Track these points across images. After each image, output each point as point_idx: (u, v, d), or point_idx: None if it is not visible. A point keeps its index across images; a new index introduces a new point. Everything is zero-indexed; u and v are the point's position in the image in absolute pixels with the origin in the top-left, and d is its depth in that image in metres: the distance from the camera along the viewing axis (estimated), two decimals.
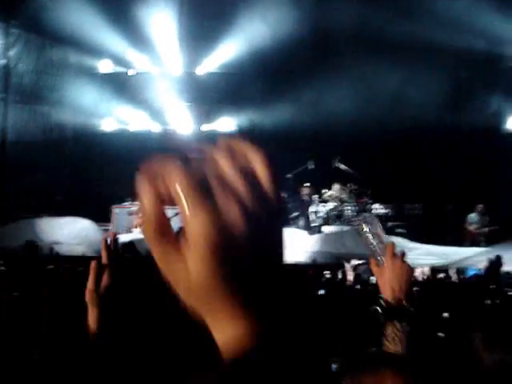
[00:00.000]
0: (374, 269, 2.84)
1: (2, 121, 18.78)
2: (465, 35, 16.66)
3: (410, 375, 1.74)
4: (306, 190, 18.74)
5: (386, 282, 2.73)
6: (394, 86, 17.57)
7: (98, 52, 19.94)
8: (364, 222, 2.89)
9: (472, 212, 16.31)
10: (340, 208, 18.99)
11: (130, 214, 18.25)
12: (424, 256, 15.62)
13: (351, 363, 1.83)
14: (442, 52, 17.00)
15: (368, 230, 2.86)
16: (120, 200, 18.48)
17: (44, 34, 18.82)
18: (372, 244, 2.87)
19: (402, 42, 16.78)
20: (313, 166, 19.47)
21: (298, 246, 15.54)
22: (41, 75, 19.50)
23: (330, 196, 19.19)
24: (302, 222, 18.31)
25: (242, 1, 18.63)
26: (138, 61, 20.35)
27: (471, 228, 16.31)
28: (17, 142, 18.70)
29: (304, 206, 18.58)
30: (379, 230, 2.90)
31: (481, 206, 16.17)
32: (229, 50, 19.56)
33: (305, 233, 17.33)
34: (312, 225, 18.48)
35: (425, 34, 16.63)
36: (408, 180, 17.71)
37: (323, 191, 19.35)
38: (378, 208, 18.68)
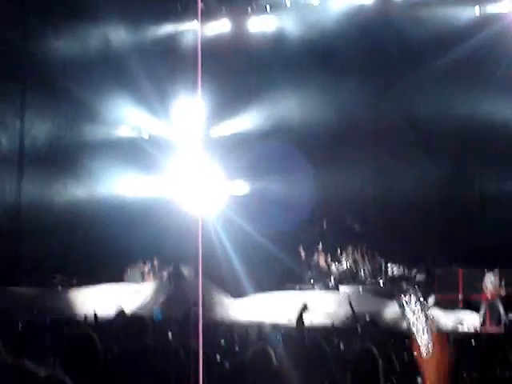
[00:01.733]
0: (418, 356, 2.68)
1: (16, 184, 19.03)
2: None
3: None
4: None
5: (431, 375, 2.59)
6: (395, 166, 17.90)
7: (114, 118, 20.23)
8: (405, 295, 2.67)
9: (488, 275, 16.36)
10: (354, 268, 18.92)
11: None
12: None
13: None
14: None
15: (410, 305, 2.62)
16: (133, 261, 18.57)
17: (59, 97, 19.17)
18: (414, 322, 2.61)
19: None
20: (326, 227, 19.52)
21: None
22: (55, 139, 19.84)
23: (343, 256, 19.15)
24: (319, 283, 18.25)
25: (257, 71, 19.10)
26: (153, 126, 20.60)
27: (488, 290, 16.28)
28: (31, 204, 18.91)
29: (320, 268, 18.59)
30: (422, 306, 2.66)
31: (496, 269, 16.27)
32: (245, 116, 19.92)
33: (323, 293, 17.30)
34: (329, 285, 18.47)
35: None
36: (419, 241, 17.63)
37: (338, 251, 19.32)
38: (393, 269, 18.59)
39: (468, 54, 17.71)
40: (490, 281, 16.30)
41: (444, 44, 18.17)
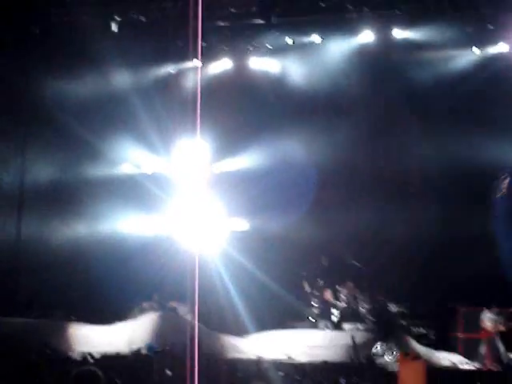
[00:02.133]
0: None
1: (17, 220, 19.13)
2: None
3: None
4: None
5: None
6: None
7: (115, 156, 20.36)
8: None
9: (487, 312, 16.41)
10: (354, 305, 18.88)
11: None
12: None
13: None
14: None
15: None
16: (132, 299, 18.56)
17: (61, 136, 19.36)
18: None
19: None
20: (326, 263, 19.55)
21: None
22: (56, 176, 19.98)
23: (344, 293, 19.12)
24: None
25: (258, 110, 19.29)
26: (153, 164, 20.71)
27: (487, 328, 16.31)
28: (31, 240, 19.00)
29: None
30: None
31: (495, 307, 16.34)
32: (246, 154, 20.04)
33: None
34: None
35: None
36: (423, 279, 17.66)
37: (337, 288, 19.30)
38: (392, 306, 18.58)
39: (469, 96, 17.91)
40: (489, 318, 16.33)
41: (445, 86, 18.41)
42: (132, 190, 20.11)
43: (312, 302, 18.84)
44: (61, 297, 18.72)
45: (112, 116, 19.26)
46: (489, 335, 16.22)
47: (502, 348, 15.99)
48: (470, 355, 16.51)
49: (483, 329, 16.37)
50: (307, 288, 19.01)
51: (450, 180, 18.13)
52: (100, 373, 5.49)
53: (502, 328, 16.18)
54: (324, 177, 19.34)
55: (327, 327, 17.92)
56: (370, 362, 12.17)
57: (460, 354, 16.75)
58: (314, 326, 18.17)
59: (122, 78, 19.59)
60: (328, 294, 18.08)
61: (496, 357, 16.16)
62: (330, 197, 19.19)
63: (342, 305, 18.72)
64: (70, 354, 14.00)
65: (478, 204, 17.53)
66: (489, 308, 16.45)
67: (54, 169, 20.05)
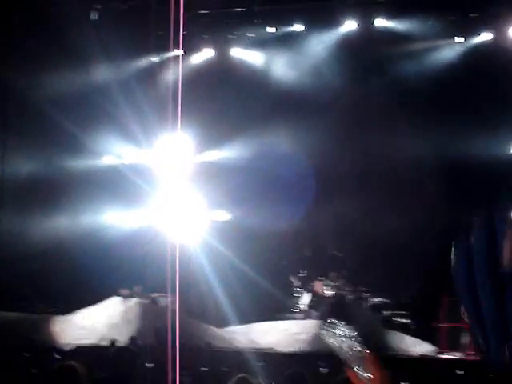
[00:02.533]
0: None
1: None
2: None
3: None
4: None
5: None
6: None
7: (96, 149, 20.15)
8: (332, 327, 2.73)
9: None
10: (337, 296, 18.90)
11: None
12: None
13: None
14: None
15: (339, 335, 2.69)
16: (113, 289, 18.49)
17: (41, 129, 19.14)
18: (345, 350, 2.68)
19: None
20: (310, 254, 19.56)
21: None
22: (37, 169, 19.76)
23: (326, 283, 19.14)
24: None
25: (241, 101, 19.09)
26: (135, 156, 20.53)
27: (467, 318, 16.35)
28: (11, 233, 18.82)
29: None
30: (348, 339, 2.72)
31: None
32: (227, 146, 19.88)
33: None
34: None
35: None
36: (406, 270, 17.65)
37: (319, 279, 19.31)
38: (375, 297, 18.64)
39: (453, 85, 17.86)
40: None
41: (428, 75, 18.34)
42: (114, 182, 19.95)
43: (296, 294, 18.89)
44: (42, 289, 18.57)
45: (93, 107, 19.07)
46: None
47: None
48: (452, 345, 16.58)
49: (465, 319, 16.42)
50: (287, 279, 19.03)
51: (435, 170, 18.12)
52: (79, 367, 5.44)
53: None
54: (306, 168, 19.25)
55: (311, 317, 17.93)
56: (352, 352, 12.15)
57: (442, 343, 16.83)
58: (297, 316, 18.18)
59: (102, 68, 19.39)
60: (318, 286, 17.96)
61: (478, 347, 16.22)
62: (313, 188, 19.10)
63: (325, 295, 18.78)
64: (52, 347, 13.84)
65: (463, 196, 17.53)
66: None
67: (34, 160, 19.84)
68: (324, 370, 10.55)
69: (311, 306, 17.31)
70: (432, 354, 15.93)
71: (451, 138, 17.57)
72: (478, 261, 15.49)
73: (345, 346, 2.71)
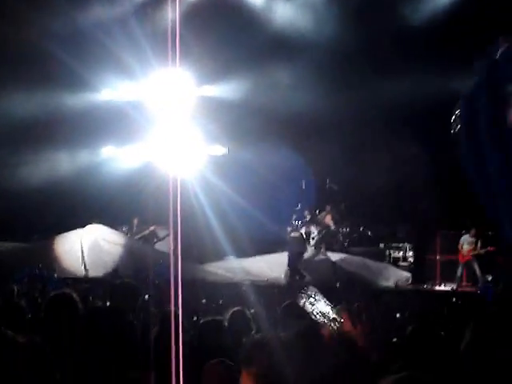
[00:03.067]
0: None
1: None
2: None
3: None
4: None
5: None
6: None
7: (93, 85, 19.87)
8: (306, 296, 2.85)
9: (465, 236, 16.64)
10: (333, 229, 19.05)
11: None
12: None
13: None
14: None
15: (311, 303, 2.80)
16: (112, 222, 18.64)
17: (38, 61, 18.82)
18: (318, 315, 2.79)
19: None
20: (304, 187, 19.59)
21: None
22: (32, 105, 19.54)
23: (322, 217, 19.24)
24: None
25: (239, 40, 18.68)
26: (132, 91, 20.27)
27: (464, 250, 16.54)
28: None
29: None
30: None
31: (473, 230, 16.58)
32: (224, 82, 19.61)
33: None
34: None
35: None
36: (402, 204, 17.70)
37: (316, 212, 19.41)
38: (370, 231, 18.81)
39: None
40: (467, 241, 16.56)
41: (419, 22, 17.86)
42: (112, 118, 19.80)
43: (291, 226, 19.05)
44: (38, 222, 18.67)
45: (90, 42, 18.72)
46: (466, 258, 16.47)
47: (478, 270, 16.25)
48: (447, 277, 16.82)
49: (461, 252, 16.61)
50: (284, 212, 19.14)
51: (428, 112, 17.89)
52: (75, 295, 5.45)
53: (479, 251, 16.41)
54: (304, 104, 18.97)
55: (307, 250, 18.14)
56: (349, 284, 12.34)
57: (437, 275, 17.08)
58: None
59: (99, 3, 19.01)
60: (327, 219, 17.89)
61: (472, 279, 16.46)
62: (310, 123, 18.93)
63: (322, 228, 18.91)
64: (49, 276, 13.93)
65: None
66: (467, 231, 16.65)
67: (30, 97, 19.56)
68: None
69: (322, 238, 17.23)
70: (427, 287, 16.16)
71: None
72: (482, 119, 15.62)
73: (317, 311, 2.83)
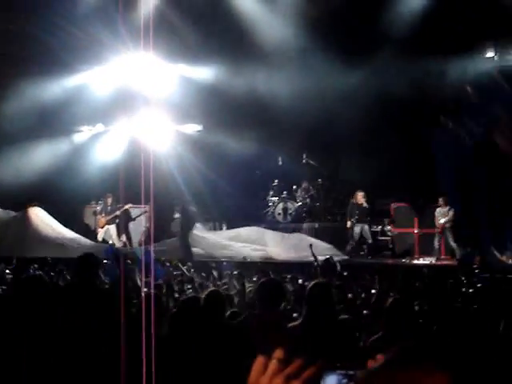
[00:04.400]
0: None
1: None
2: None
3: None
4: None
5: None
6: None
7: None
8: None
9: (438, 209, 16.77)
10: (310, 205, 19.02)
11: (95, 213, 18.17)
12: None
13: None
14: None
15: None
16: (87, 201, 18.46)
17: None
18: None
19: None
20: (281, 162, 19.47)
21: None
22: None
23: (299, 193, 19.19)
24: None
25: None
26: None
27: (440, 222, 16.60)
28: None
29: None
30: None
31: (441, 199, 16.72)
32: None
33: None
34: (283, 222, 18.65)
35: None
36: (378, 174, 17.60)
37: (293, 188, 19.35)
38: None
39: None
40: (441, 213, 16.63)
41: None
42: (89, 98, 19.31)
43: (267, 201, 19.01)
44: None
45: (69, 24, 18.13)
46: (440, 229, 16.57)
47: (451, 239, 16.37)
48: (425, 250, 16.90)
49: (436, 224, 16.69)
50: (260, 187, 19.08)
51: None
52: (45, 277, 5.44)
53: (451, 220, 16.49)
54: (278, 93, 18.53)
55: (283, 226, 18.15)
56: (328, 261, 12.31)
57: (416, 249, 17.17)
58: (272, 224, 18.28)
59: None
60: (359, 197, 17.59)
61: (449, 250, 16.54)
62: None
63: (299, 203, 18.89)
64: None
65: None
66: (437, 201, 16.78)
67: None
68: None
69: (356, 217, 17.10)
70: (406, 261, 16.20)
71: None
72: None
73: None
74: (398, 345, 1.58)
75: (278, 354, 1.71)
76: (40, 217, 16.91)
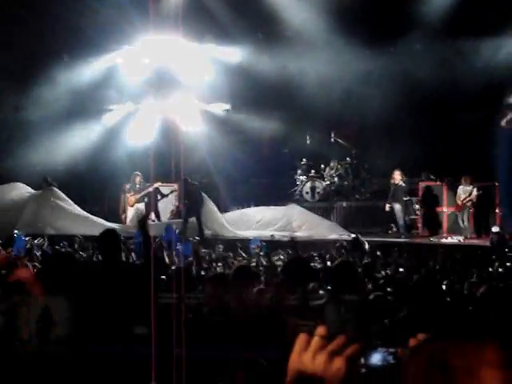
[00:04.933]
0: None
1: None
2: None
3: None
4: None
5: None
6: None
7: None
8: None
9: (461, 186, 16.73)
10: (338, 183, 19.01)
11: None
12: None
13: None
14: None
15: None
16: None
17: None
18: None
19: None
20: (309, 141, 19.46)
21: None
22: None
23: (327, 171, 19.16)
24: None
25: None
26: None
27: (460, 199, 16.52)
28: None
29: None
30: None
31: (463, 178, 16.65)
32: None
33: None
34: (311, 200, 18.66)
35: None
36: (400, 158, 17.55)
37: (321, 167, 19.32)
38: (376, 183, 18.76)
39: None
40: (463, 191, 16.54)
41: None
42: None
43: (295, 181, 19.04)
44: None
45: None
46: (461, 207, 16.52)
47: (466, 218, 16.49)
48: (454, 229, 16.83)
49: (458, 202, 16.62)
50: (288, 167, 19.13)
51: None
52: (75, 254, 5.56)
53: (472, 198, 16.48)
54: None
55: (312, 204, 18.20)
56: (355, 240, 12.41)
57: (445, 227, 17.13)
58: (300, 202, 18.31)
59: None
60: (397, 176, 17.56)
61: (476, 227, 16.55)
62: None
63: (327, 182, 18.88)
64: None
65: None
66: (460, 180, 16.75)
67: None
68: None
69: (393, 195, 17.01)
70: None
71: None
72: None
73: None
74: (439, 323, 1.61)
75: (321, 330, 1.70)
76: (61, 197, 16.93)
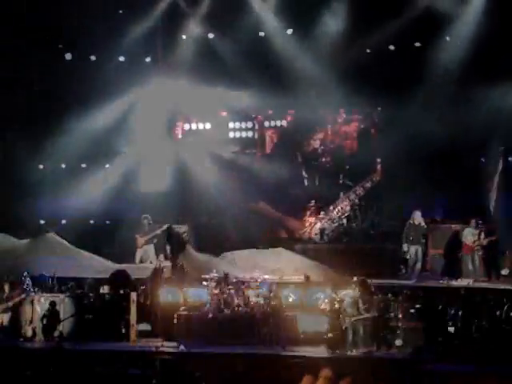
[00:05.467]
0: None
1: None
2: None
3: None
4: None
5: None
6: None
7: None
8: None
9: (468, 228, 16.64)
10: (347, 225, 19.03)
11: None
12: None
13: None
14: None
15: None
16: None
17: None
18: None
19: None
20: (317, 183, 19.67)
21: None
22: None
23: (336, 213, 19.20)
24: None
25: None
26: None
27: (468, 241, 16.42)
28: None
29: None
30: None
31: (474, 220, 16.58)
32: None
33: None
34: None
35: None
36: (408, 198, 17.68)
37: (330, 208, 19.34)
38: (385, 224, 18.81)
39: None
40: (471, 233, 16.45)
41: None
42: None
43: (304, 221, 19.08)
44: None
45: None
46: (471, 249, 16.40)
47: (478, 261, 16.36)
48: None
49: (466, 244, 16.49)
50: (297, 208, 19.24)
51: None
52: None
53: (482, 242, 16.37)
54: None
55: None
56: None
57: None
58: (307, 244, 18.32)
59: None
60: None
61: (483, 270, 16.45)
62: None
63: (336, 224, 18.94)
64: None
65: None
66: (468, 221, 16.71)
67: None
68: None
69: (413, 237, 16.88)
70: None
71: None
72: None
73: None
74: None
75: (326, 373, 1.75)
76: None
